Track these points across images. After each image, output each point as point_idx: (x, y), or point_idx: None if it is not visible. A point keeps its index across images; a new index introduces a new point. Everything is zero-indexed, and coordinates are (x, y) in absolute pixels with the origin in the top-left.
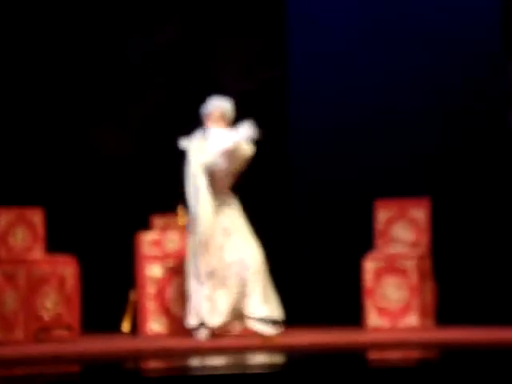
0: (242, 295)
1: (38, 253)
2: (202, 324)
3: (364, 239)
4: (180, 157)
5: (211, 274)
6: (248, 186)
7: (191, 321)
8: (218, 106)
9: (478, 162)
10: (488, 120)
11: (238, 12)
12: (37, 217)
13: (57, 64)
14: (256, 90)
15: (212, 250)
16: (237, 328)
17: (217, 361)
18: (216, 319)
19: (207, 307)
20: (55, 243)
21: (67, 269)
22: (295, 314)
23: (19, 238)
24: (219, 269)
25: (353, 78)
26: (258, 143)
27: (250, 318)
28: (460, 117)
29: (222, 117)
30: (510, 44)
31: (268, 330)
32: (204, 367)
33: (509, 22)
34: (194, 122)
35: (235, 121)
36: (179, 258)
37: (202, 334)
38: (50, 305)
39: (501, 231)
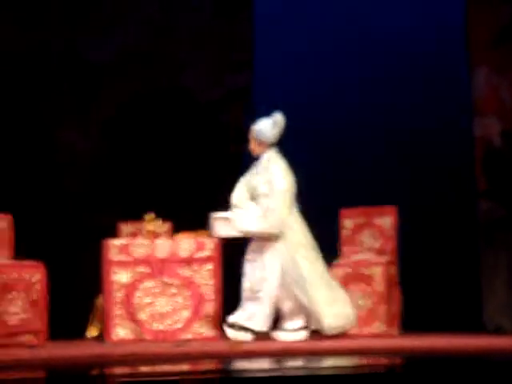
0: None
1: (5, 258)
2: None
3: (331, 247)
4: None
5: None
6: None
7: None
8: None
9: (442, 170)
10: (452, 128)
11: (204, 18)
12: (4, 223)
13: (21, 66)
14: (221, 98)
15: None
16: None
17: (183, 367)
18: None
19: None
20: (22, 249)
21: (34, 274)
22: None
23: None
24: None
25: (319, 88)
26: (217, 152)
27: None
28: (424, 126)
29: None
30: (473, 52)
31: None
32: (171, 373)
33: (471, 30)
34: (158, 128)
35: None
36: (147, 263)
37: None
38: (16, 310)
39: (465, 239)
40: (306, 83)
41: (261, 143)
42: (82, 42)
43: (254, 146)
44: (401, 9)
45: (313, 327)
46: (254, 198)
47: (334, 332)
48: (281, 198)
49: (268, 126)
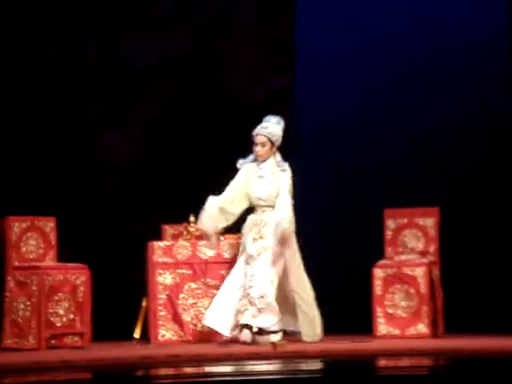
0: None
1: (50, 261)
2: None
3: (374, 247)
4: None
5: None
6: None
7: None
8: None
9: (485, 170)
10: (496, 125)
11: (246, 18)
12: (49, 226)
13: (63, 69)
14: (263, 100)
15: None
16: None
17: (226, 368)
18: None
19: None
20: (67, 252)
21: (79, 276)
22: None
23: (32, 246)
24: None
25: (362, 89)
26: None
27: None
28: (468, 125)
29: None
30: None
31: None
32: (212, 374)
33: None
34: (204, 130)
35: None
36: (190, 265)
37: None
38: (62, 312)
39: (509, 239)
40: (348, 83)
41: (272, 147)
42: (124, 44)
43: (265, 150)
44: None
45: (295, 329)
46: (251, 201)
47: (318, 339)
48: (290, 196)
49: (279, 129)
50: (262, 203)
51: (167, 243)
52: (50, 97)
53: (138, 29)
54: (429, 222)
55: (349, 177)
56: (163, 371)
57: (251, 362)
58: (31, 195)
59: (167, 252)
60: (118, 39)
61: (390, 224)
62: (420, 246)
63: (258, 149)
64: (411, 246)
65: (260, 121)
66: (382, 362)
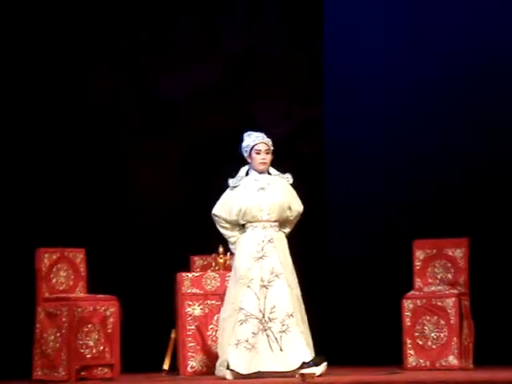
0: None
1: (80, 292)
2: None
3: (403, 279)
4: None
5: None
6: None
7: None
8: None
9: None
10: None
11: (275, 51)
12: (79, 257)
13: (99, 102)
14: (294, 131)
15: None
16: None
17: None
18: None
19: None
20: (96, 283)
21: (109, 308)
22: (336, 354)
23: (62, 278)
24: None
25: (390, 120)
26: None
27: None
28: (498, 153)
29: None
30: None
31: None
32: None
33: None
34: (230, 162)
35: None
36: (219, 296)
37: None
38: (91, 343)
39: None
40: (377, 115)
41: (272, 156)
42: (156, 79)
43: (269, 158)
44: None
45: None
46: (246, 219)
47: None
48: None
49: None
50: (265, 217)
51: (196, 274)
52: (85, 128)
53: (170, 62)
54: (458, 252)
55: (377, 208)
56: None
57: None
58: (61, 226)
59: (196, 283)
60: (151, 73)
61: (419, 255)
62: (449, 276)
63: (263, 156)
64: (440, 276)
65: (291, 154)
66: None
